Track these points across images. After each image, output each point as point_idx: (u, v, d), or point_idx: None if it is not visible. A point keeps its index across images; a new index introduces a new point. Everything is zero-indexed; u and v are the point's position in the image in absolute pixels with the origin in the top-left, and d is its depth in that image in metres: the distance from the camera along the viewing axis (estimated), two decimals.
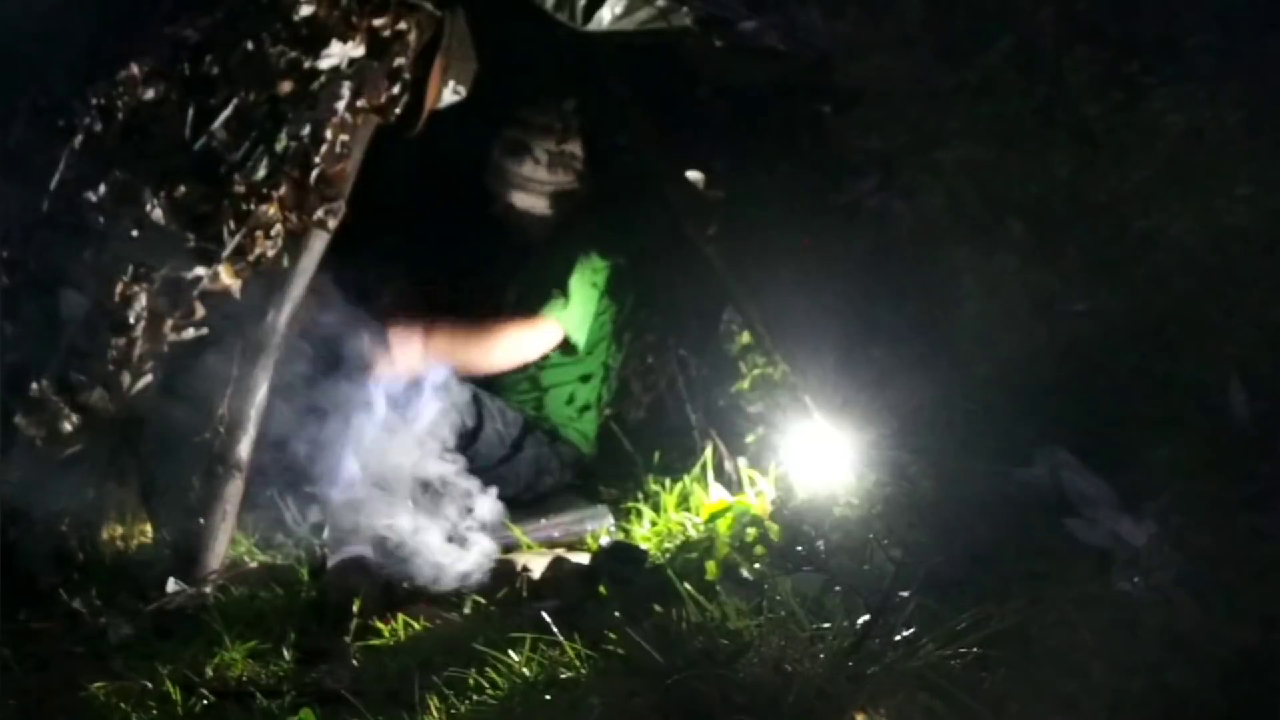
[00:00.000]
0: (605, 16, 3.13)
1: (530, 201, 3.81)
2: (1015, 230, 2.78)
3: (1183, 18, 2.96)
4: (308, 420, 3.21)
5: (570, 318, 3.73)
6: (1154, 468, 2.46)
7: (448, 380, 3.49)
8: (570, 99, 3.80)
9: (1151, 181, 2.77)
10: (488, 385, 3.77)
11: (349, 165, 3.17)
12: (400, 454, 3.22)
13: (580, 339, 3.76)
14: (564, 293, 3.72)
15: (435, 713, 2.28)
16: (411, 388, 3.44)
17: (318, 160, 3.10)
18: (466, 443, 3.55)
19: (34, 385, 2.95)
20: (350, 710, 2.33)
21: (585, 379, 3.85)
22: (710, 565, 2.80)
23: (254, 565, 3.17)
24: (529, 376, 3.85)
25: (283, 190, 3.10)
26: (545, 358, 3.82)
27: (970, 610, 2.13)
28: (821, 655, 2.09)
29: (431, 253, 3.95)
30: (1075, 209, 2.80)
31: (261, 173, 3.09)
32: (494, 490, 3.19)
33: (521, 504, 3.57)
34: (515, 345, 3.74)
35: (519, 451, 3.72)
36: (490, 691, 2.32)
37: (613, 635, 2.30)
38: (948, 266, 2.78)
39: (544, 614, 2.48)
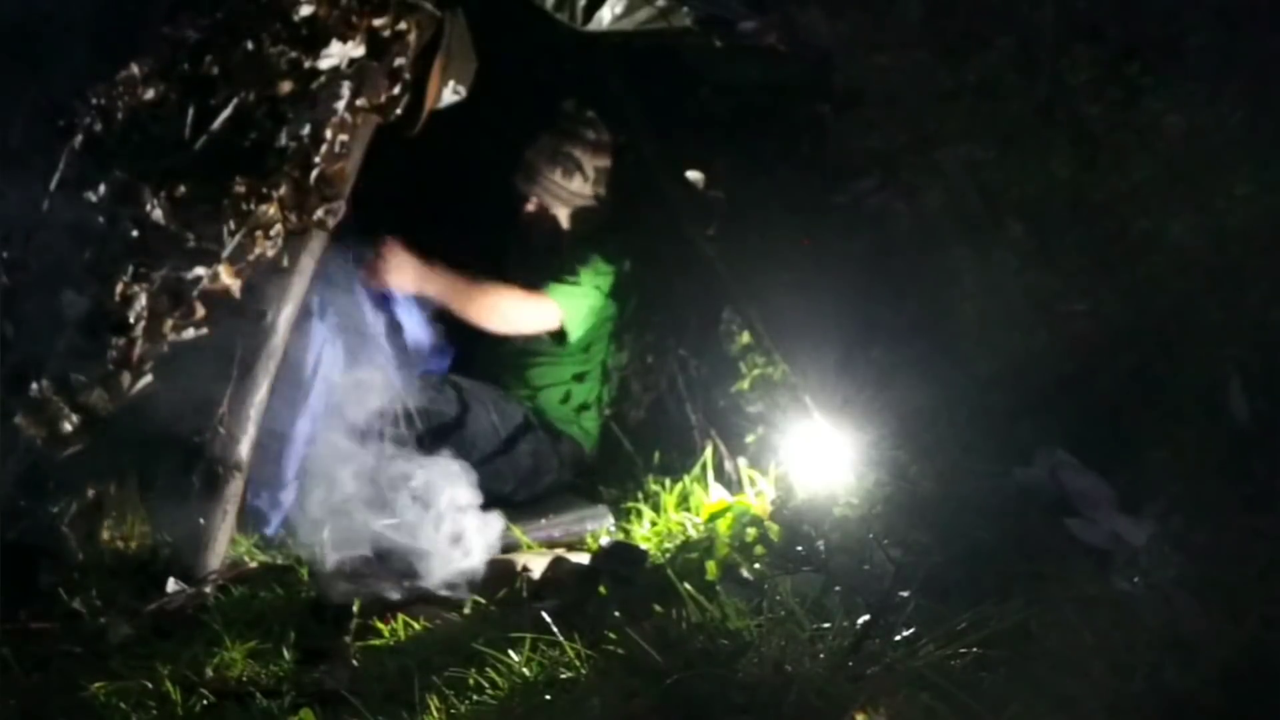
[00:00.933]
0: (605, 16, 3.13)
1: (566, 214, 3.81)
2: (1015, 230, 2.78)
3: (1183, 18, 2.96)
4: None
5: (573, 308, 3.72)
6: (1154, 468, 2.47)
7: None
8: (572, 100, 3.79)
9: (1151, 181, 2.78)
10: (483, 377, 3.77)
11: (349, 165, 3.18)
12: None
13: (575, 333, 3.74)
14: (575, 281, 3.71)
15: (435, 713, 2.28)
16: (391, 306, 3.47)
17: (318, 160, 3.11)
18: (452, 431, 3.53)
19: (34, 385, 2.95)
20: (350, 710, 2.33)
21: (580, 378, 3.84)
22: (710, 565, 2.79)
23: (254, 565, 3.17)
24: (520, 376, 3.84)
25: (283, 190, 3.10)
26: (534, 355, 3.81)
27: (970, 610, 2.13)
28: (821, 655, 2.09)
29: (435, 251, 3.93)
30: (1075, 209, 2.80)
31: (261, 173, 3.10)
32: (486, 481, 3.16)
33: (521, 504, 3.57)
34: (511, 309, 3.67)
35: (515, 444, 3.70)
36: (490, 691, 2.32)
37: (613, 635, 2.30)
38: (948, 266, 2.79)
39: (544, 614, 2.48)
